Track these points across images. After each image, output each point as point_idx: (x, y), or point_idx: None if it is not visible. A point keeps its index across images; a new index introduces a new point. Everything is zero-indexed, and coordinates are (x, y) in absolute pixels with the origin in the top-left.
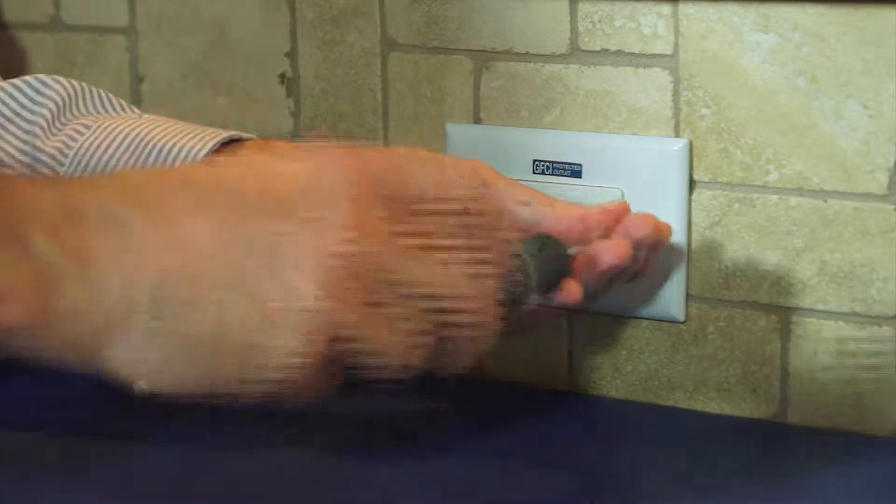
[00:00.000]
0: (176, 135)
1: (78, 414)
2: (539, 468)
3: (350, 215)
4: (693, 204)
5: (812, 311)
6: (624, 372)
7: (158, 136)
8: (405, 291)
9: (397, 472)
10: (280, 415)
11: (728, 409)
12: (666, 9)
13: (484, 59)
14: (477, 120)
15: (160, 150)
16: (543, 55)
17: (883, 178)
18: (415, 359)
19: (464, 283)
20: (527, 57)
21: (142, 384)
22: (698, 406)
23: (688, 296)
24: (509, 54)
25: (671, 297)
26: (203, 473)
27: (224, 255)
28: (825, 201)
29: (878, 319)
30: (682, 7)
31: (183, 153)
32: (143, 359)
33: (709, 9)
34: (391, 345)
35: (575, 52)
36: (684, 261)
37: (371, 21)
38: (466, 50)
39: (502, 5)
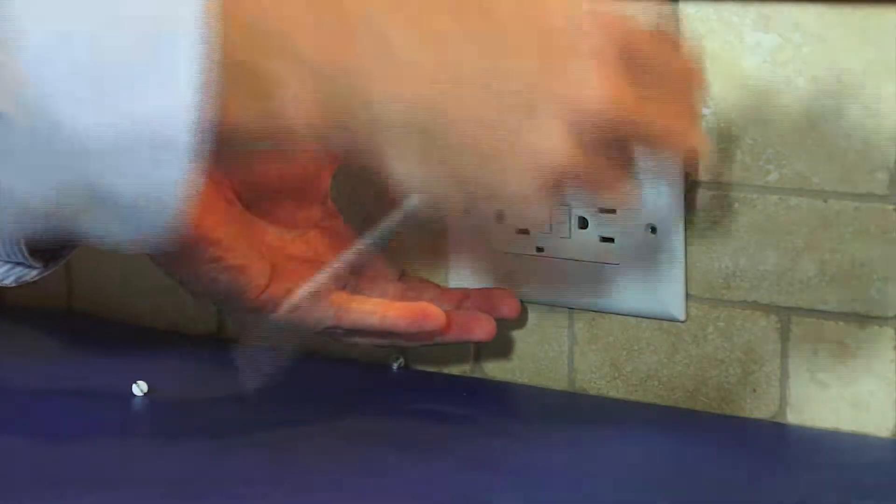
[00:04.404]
0: None
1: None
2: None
3: (608, 78)
4: (693, 204)
5: (812, 311)
6: (624, 372)
7: None
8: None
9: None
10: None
11: (728, 409)
12: (666, 9)
13: None
14: None
15: None
16: None
17: (883, 178)
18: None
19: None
20: None
21: (413, 199)
22: (698, 406)
23: (688, 296)
24: None
25: (671, 297)
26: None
27: (485, 86)
28: (825, 201)
29: (878, 319)
30: (682, 7)
31: None
32: (416, 172)
33: (709, 9)
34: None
35: None
36: (682, 261)
37: None
38: None
39: None
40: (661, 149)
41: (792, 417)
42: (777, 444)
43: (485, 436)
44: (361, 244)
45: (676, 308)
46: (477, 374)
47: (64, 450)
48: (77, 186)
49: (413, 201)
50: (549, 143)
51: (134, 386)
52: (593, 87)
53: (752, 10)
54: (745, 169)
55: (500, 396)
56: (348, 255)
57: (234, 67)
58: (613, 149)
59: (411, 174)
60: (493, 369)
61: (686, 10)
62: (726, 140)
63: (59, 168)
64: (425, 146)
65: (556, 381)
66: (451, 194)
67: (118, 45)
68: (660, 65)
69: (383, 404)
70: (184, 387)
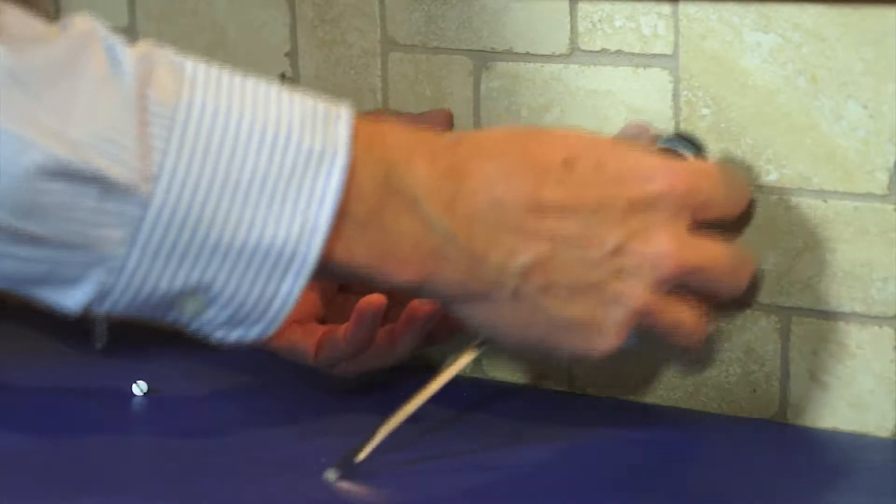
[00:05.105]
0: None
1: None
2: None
3: (672, 229)
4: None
5: (812, 311)
6: (624, 372)
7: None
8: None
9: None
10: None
11: (728, 409)
12: (666, 9)
13: (484, 59)
14: (477, 120)
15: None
16: (543, 55)
17: (883, 178)
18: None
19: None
20: (527, 57)
21: (487, 340)
22: (698, 406)
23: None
24: (509, 54)
25: None
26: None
27: (584, 256)
28: (825, 201)
29: (878, 319)
30: (682, 7)
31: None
32: (496, 322)
33: (709, 9)
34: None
35: (575, 52)
36: None
37: (371, 21)
38: (466, 50)
39: (502, 5)
40: (724, 288)
41: (792, 417)
42: (777, 444)
43: (485, 436)
44: (429, 391)
45: None
46: (477, 374)
47: (63, 449)
48: (198, 282)
49: (485, 350)
50: (635, 292)
51: (134, 386)
52: (668, 251)
53: (752, 10)
54: (745, 169)
55: (500, 396)
56: (417, 401)
57: (363, 207)
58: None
59: (503, 332)
60: (493, 369)
61: (686, 10)
62: (726, 140)
63: (188, 263)
64: (521, 309)
65: (557, 381)
66: (535, 350)
67: (269, 163)
68: (722, 206)
69: (383, 404)
70: (184, 387)
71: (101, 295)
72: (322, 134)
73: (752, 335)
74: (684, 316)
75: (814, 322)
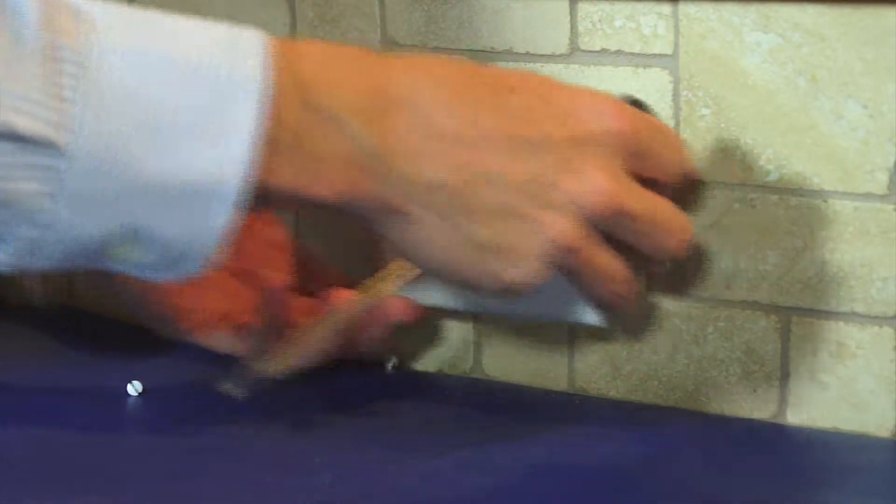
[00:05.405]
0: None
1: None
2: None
3: (609, 169)
4: (692, 203)
5: (812, 311)
6: (624, 372)
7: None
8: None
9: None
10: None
11: (728, 409)
12: (666, 9)
13: (484, 59)
14: None
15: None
16: (543, 55)
17: (883, 178)
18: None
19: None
20: (527, 57)
21: (410, 262)
22: (698, 406)
23: (688, 295)
24: (509, 54)
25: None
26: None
27: (510, 182)
28: (825, 201)
29: (878, 319)
30: (682, 7)
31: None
32: (421, 242)
33: (709, 9)
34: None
35: (575, 52)
36: None
37: (371, 21)
38: (466, 50)
39: (502, 5)
40: (655, 244)
41: (792, 417)
42: (777, 444)
43: (485, 436)
44: (359, 302)
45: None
46: (477, 375)
47: (58, 449)
48: (126, 226)
49: (416, 274)
50: (558, 224)
51: (129, 386)
52: (602, 188)
53: (752, 10)
54: (745, 169)
55: (500, 396)
56: (343, 311)
57: (284, 131)
58: (618, 247)
59: (424, 252)
60: (493, 369)
61: (686, 10)
62: (726, 140)
63: (115, 208)
64: (442, 228)
65: (556, 381)
66: (454, 274)
67: (184, 98)
68: (664, 162)
69: (383, 404)
70: (179, 387)
71: (31, 250)
72: (236, 62)
73: (752, 335)
74: (610, 264)
75: (814, 322)
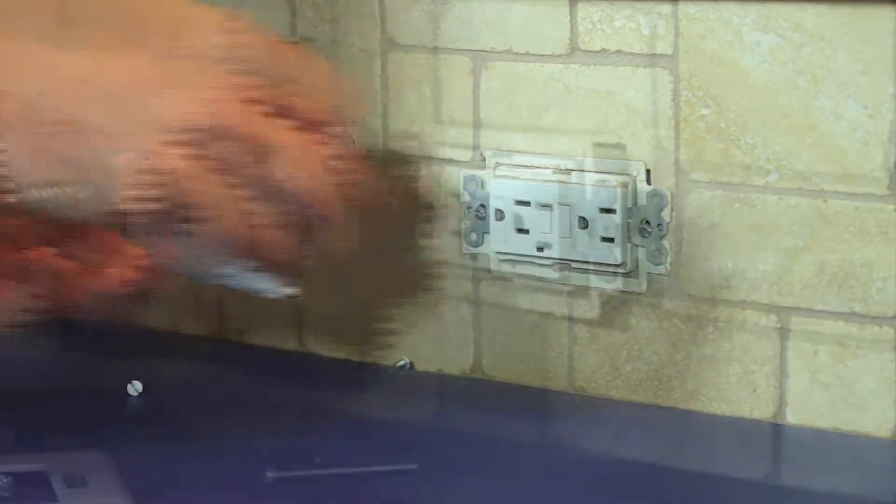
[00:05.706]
0: None
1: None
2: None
3: (221, 89)
4: (692, 204)
5: (812, 311)
6: (624, 372)
7: None
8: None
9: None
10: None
11: (728, 410)
12: (666, 9)
13: (484, 59)
14: (477, 120)
15: None
16: (543, 55)
17: (883, 178)
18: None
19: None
20: (527, 57)
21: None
22: (698, 406)
23: (688, 296)
24: (509, 54)
25: None
26: None
27: (98, 99)
28: (825, 201)
29: (878, 319)
30: (682, 7)
31: None
32: (12, 154)
33: (709, 9)
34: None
35: (575, 52)
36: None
37: (371, 21)
38: (466, 50)
39: (502, 5)
40: (277, 179)
41: (792, 417)
42: (777, 444)
43: (484, 436)
44: None
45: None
46: (477, 375)
47: (58, 449)
48: None
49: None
50: (152, 144)
51: (129, 386)
52: (206, 106)
53: (752, 10)
54: (745, 169)
55: (500, 396)
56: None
57: None
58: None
59: (20, 167)
60: (493, 369)
61: (686, 10)
62: (726, 140)
63: None
64: (34, 142)
65: (556, 381)
66: (35, 176)
67: None
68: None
69: (384, 404)
70: (179, 387)
71: None
72: None
73: (752, 335)
74: (219, 192)
75: (814, 322)
